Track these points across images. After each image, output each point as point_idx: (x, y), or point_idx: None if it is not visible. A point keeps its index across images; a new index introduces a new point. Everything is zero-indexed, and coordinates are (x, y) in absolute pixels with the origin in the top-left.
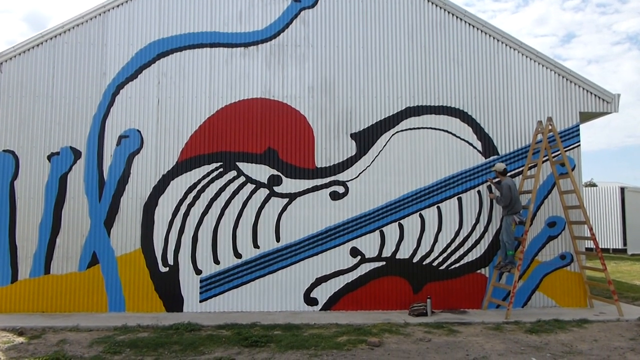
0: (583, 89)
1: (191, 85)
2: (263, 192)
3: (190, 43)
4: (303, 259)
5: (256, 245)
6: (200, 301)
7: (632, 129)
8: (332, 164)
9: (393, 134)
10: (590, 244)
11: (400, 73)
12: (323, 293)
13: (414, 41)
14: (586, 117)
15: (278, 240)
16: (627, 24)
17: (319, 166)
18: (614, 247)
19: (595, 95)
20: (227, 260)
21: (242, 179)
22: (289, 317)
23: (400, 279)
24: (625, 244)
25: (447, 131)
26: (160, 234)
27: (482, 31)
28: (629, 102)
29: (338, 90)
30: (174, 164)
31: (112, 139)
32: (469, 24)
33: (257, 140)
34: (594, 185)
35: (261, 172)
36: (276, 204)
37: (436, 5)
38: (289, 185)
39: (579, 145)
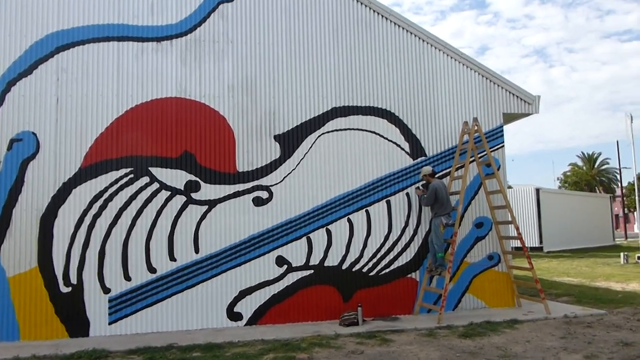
0: (506, 90)
1: (96, 83)
2: (179, 200)
3: (95, 36)
4: (225, 271)
5: (172, 258)
6: (109, 323)
7: (540, 135)
8: (254, 168)
9: (319, 136)
10: (516, 243)
11: (325, 72)
12: (248, 307)
13: (339, 39)
14: (509, 118)
15: (197, 251)
16: (534, 39)
17: (240, 170)
18: (531, 246)
19: (517, 97)
20: (140, 275)
21: (155, 186)
22: (211, 335)
23: (329, 288)
24: (541, 242)
25: (374, 132)
26: (61, 249)
27: (408, 31)
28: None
29: (260, 89)
30: (77, 170)
31: (1, 143)
32: (395, 24)
33: (172, 143)
34: (510, 187)
35: (177, 177)
36: (194, 211)
37: (361, 4)
38: (208, 191)
39: (503, 145)
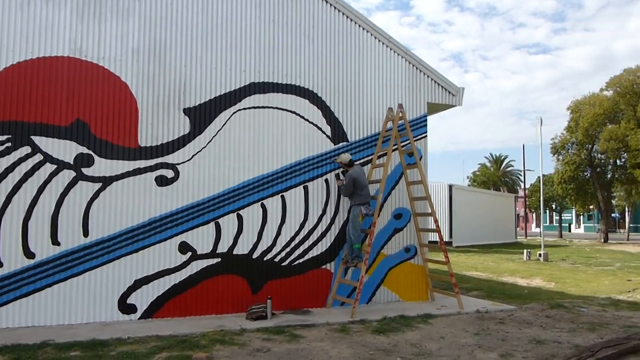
0: (432, 79)
1: None
2: (68, 175)
3: None
4: (119, 257)
5: (56, 242)
6: None
7: (453, 136)
8: (159, 143)
9: (234, 112)
10: (433, 236)
11: (245, 44)
12: (143, 298)
13: (262, 10)
14: (432, 109)
15: (86, 234)
16: (452, 44)
17: (143, 145)
18: (433, 240)
19: (442, 87)
20: (14, 261)
21: (38, 157)
22: (96, 330)
23: (237, 278)
24: (451, 236)
25: (295, 112)
26: None
27: (335, 8)
28: (452, 112)
29: (170, 56)
30: None
31: None
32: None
33: (61, 109)
34: None
35: (66, 149)
36: (85, 189)
37: None
38: (102, 166)
39: (426, 136)
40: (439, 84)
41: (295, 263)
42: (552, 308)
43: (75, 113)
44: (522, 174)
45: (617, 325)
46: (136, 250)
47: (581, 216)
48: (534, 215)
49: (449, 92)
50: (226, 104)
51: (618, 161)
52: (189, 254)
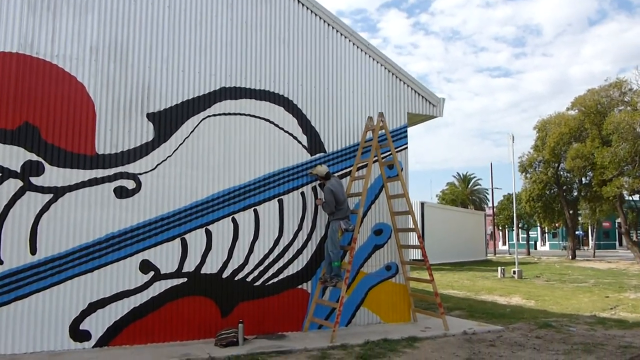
0: (412, 89)
1: None
2: (14, 185)
3: None
4: (71, 278)
5: None
6: None
7: (419, 155)
8: (119, 151)
9: (203, 119)
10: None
11: (215, 45)
12: (99, 323)
13: (233, 11)
14: (412, 120)
15: (34, 252)
16: (418, 66)
17: (100, 152)
18: (414, 258)
19: (423, 97)
20: None
21: None
22: None
23: (205, 300)
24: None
25: (268, 120)
26: None
27: (311, 11)
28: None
29: (133, 56)
30: None
31: None
32: (299, 2)
33: (7, 111)
34: None
35: (12, 155)
36: (34, 201)
37: None
38: (54, 175)
39: (407, 147)
40: (419, 94)
41: (269, 283)
42: (541, 328)
43: (24, 115)
44: (489, 192)
45: (612, 345)
46: (91, 270)
47: (546, 234)
48: (500, 233)
49: (430, 103)
50: (194, 110)
51: (584, 179)
52: (152, 273)
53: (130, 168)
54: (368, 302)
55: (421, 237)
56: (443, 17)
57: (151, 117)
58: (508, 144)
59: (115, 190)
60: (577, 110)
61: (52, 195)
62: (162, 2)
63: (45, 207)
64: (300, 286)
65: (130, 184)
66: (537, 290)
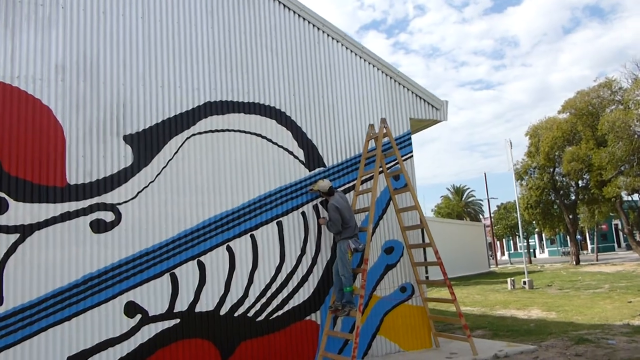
0: (413, 93)
1: None
2: None
3: None
4: (45, 329)
5: None
6: None
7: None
8: (94, 179)
9: (187, 138)
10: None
11: (197, 57)
12: None
13: (214, 18)
14: (416, 125)
15: (0, 302)
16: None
17: (72, 182)
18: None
19: (425, 101)
20: None
21: None
22: None
23: (202, 342)
24: (426, 271)
25: (260, 135)
26: None
27: (299, 16)
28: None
29: (104, 73)
30: None
31: None
32: (285, 6)
33: None
34: None
35: None
36: None
37: None
38: (20, 212)
39: (412, 155)
40: (421, 98)
41: (274, 316)
42: (577, 344)
43: None
44: (483, 203)
45: None
46: (68, 318)
47: (544, 241)
48: (498, 243)
49: (433, 106)
50: (177, 129)
51: (580, 182)
52: (139, 316)
53: (108, 198)
54: (384, 330)
55: (438, 252)
56: (422, 35)
57: (129, 139)
58: (506, 150)
59: (91, 224)
60: (568, 114)
61: (18, 235)
62: (135, 13)
63: (12, 249)
64: (308, 317)
65: (108, 216)
66: (553, 301)
